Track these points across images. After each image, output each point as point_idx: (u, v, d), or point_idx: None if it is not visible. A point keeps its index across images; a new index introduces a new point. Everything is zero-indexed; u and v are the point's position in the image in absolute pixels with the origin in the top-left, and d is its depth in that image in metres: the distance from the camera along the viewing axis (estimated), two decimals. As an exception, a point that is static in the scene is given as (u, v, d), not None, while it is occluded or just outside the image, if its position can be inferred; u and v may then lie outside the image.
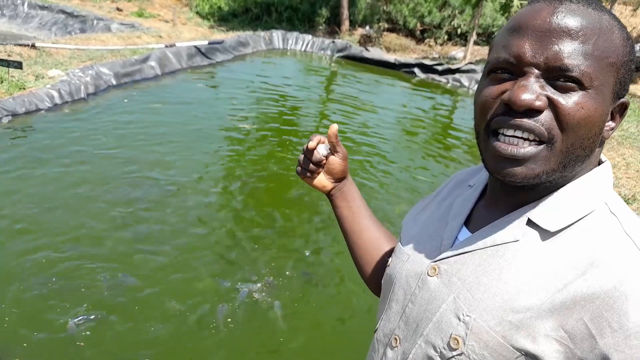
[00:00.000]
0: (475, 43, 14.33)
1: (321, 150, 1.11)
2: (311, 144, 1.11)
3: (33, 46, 8.67)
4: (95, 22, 13.50)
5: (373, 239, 1.19)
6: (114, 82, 8.17)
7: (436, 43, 15.88)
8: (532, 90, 0.69)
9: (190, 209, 4.93)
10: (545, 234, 0.74)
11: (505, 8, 12.10)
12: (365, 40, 15.08)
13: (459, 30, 15.91)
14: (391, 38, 15.51)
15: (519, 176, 0.72)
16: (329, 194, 1.21)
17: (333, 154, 1.13)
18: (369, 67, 12.56)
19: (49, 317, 3.41)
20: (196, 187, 5.38)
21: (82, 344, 3.24)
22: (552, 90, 0.70)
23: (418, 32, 16.30)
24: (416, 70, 12.15)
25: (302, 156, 1.15)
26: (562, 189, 0.76)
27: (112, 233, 4.38)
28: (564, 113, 0.68)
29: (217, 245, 4.48)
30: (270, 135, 7.27)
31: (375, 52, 13.09)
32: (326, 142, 1.12)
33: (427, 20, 16.13)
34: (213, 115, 7.60)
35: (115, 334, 3.36)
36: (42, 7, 14.48)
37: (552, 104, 0.69)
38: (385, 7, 16.68)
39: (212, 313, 3.64)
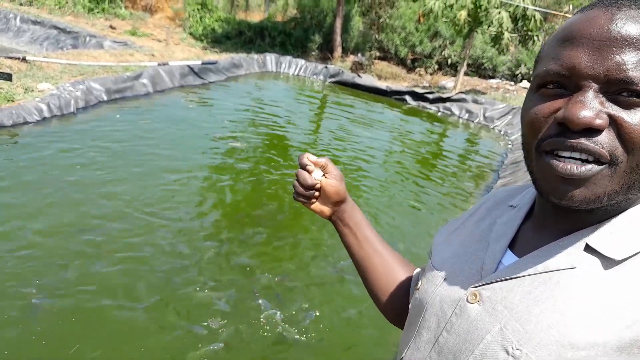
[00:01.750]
0: (465, 74, 14.54)
1: (314, 175, 1.07)
2: (300, 165, 1.06)
3: (24, 59, 8.55)
4: (87, 39, 13.44)
5: (384, 264, 1.11)
6: (105, 98, 8.08)
7: (426, 72, 16.09)
8: (590, 107, 0.61)
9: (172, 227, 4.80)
10: (608, 262, 0.66)
11: (496, 40, 12.31)
12: (357, 67, 15.21)
13: (449, 60, 16.16)
14: (382, 66, 15.69)
15: (577, 198, 0.65)
16: (330, 219, 1.14)
17: (324, 177, 1.07)
18: (361, 93, 12.63)
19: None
20: (180, 207, 5.26)
21: None
22: (614, 106, 0.62)
23: (409, 61, 16.52)
24: (407, 97, 12.24)
25: (295, 181, 1.09)
26: (625, 213, 0.68)
27: (75, 259, 4.17)
28: (629, 132, 0.60)
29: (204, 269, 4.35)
30: (260, 154, 7.21)
31: (367, 79, 13.19)
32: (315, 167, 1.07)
33: (418, 49, 16.38)
34: (203, 133, 7.52)
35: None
36: (35, 22, 14.41)
37: (614, 122, 0.61)
38: (377, 36, 16.91)
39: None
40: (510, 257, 0.77)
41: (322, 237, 5.11)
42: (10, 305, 3.48)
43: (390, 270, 1.10)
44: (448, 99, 12.04)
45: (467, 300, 0.75)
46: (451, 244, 0.90)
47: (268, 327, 3.71)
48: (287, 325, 3.76)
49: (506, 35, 11.92)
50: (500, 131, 11.20)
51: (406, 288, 1.09)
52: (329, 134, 8.89)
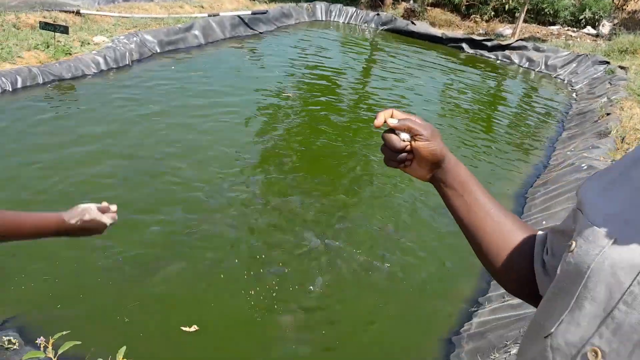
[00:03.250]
0: (524, 20, 13.68)
1: (403, 136, 0.91)
2: (377, 122, 0.90)
3: (78, 13, 8.61)
4: (137, -10, 13.38)
5: (498, 228, 0.95)
6: (158, 50, 8.06)
7: (482, 19, 15.23)
8: None
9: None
10: None
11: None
12: (409, 14, 14.56)
13: (506, 6, 15.21)
14: (436, 13, 14.95)
15: None
16: (431, 182, 1.00)
17: (414, 139, 0.92)
18: (415, 41, 12.13)
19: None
20: (235, 155, 5.26)
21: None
22: None
23: (463, 8, 15.66)
24: (464, 45, 11.68)
25: (383, 145, 0.93)
26: None
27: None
28: None
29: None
30: (311, 102, 7.11)
31: (421, 26, 12.63)
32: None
33: (474, -6, 15.47)
34: (255, 83, 7.44)
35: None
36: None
37: None
38: (430, -20, 16.07)
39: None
40: None
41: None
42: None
43: (506, 235, 0.95)
44: (507, 47, 11.41)
45: None
46: (613, 199, 0.76)
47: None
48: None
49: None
50: (564, 80, 10.57)
51: (528, 254, 0.95)
52: (381, 82, 8.63)
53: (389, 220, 4.72)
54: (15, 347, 2.76)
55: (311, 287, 3.76)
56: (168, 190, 4.55)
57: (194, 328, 3.27)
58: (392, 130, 0.90)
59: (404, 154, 0.92)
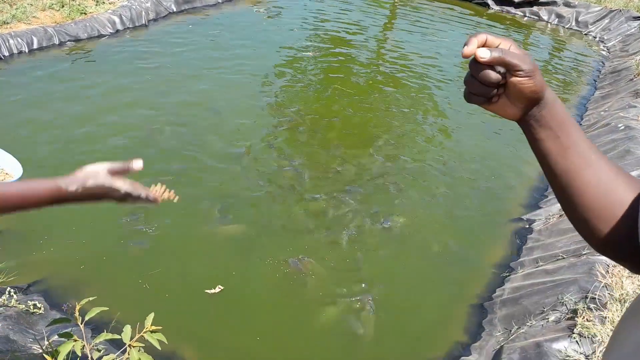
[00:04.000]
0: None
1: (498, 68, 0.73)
2: (466, 51, 0.73)
3: (92, -30, 8.36)
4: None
5: (598, 178, 0.79)
6: (175, 9, 7.83)
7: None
8: None
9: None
10: None
11: None
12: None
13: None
14: (460, -33, 14.33)
15: None
16: (519, 122, 0.82)
17: (511, 73, 0.74)
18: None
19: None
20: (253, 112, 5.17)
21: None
22: None
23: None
24: (489, 1, 11.17)
25: (469, 76, 0.76)
26: None
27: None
28: None
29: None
30: (332, 62, 6.91)
31: (444, -18, 12.10)
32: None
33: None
34: (273, 42, 7.22)
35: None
36: None
37: None
38: None
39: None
40: None
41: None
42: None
43: (608, 186, 0.79)
44: (536, 2, 10.90)
45: None
46: None
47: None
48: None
49: None
50: (595, 37, 10.10)
51: (631, 213, 0.80)
52: (407, 35, 8.36)
53: (417, 185, 4.60)
54: (40, 311, 2.72)
55: (343, 241, 3.69)
56: (192, 145, 4.51)
57: (218, 289, 3.21)
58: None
59: (495, 90, 0.76)
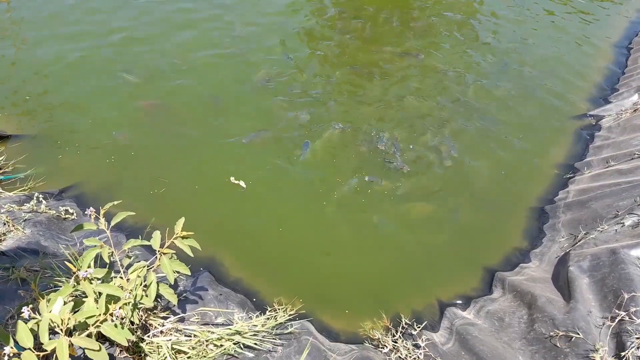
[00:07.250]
0: None
1: None
2: None
3: None
4: None
5: None
6: None
7: None
8: None
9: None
10: None
11: None
12: None
13: None
14: None
15: None
16: None
17: None
18: None
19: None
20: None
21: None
22: None
23: None
24: None
25: None
26: None
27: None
28: None
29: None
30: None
31: None
32: None
33: None
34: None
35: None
36: None
37: None
38: None
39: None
40: None
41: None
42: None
43: None
44: None
45: None
46: None
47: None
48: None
49: None
50: None
51: None
52: None
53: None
54: (73, 217, 2.59)
55: (382, 143, 3.41)
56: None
57: (242, 183, 3.04)
58: None
59: None
